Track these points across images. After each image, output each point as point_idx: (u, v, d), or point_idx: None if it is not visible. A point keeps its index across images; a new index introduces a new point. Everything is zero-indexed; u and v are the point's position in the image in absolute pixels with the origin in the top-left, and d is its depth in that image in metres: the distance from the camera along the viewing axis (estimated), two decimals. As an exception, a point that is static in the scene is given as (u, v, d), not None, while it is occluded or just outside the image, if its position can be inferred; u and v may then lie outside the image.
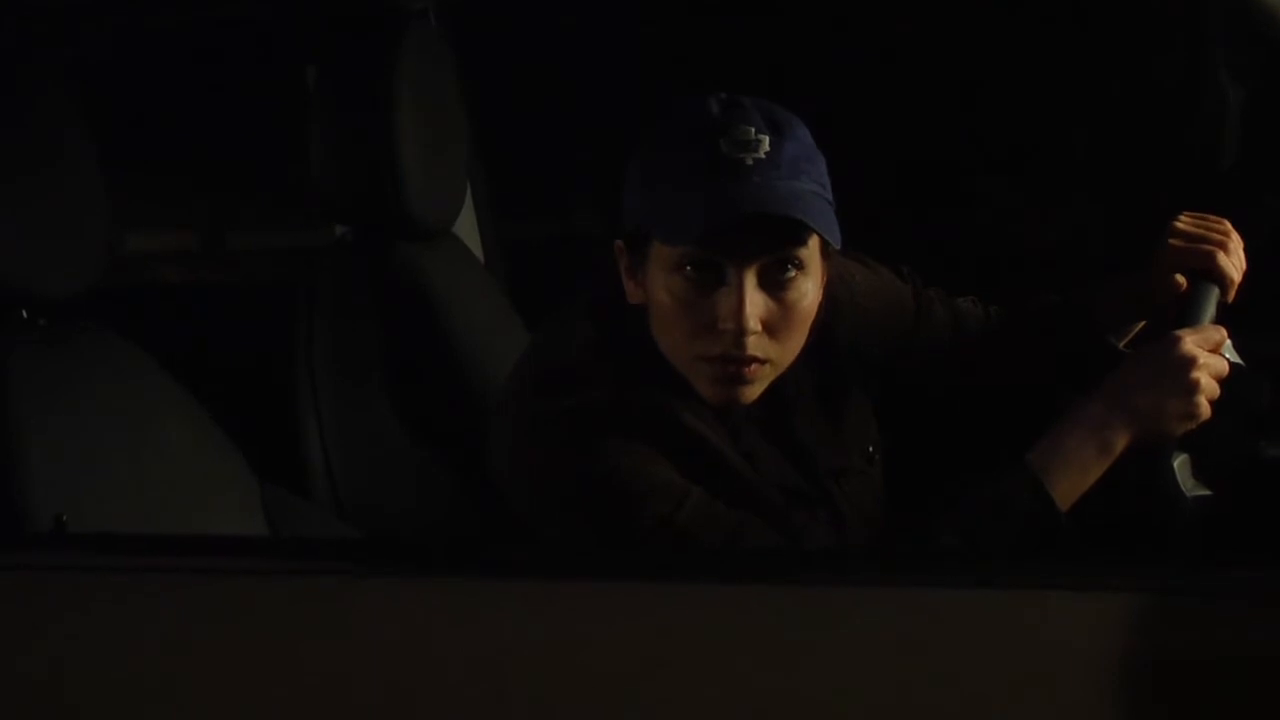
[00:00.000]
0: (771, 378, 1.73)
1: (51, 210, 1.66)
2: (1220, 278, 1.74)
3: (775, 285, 1.67)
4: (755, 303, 1.66)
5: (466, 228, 2.57)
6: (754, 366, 1.69)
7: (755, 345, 1.67)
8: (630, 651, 1.26)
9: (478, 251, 2.61)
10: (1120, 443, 1.64)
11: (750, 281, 1.65)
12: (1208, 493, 1.62)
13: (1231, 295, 1.73)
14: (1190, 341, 1.64)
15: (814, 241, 1.69)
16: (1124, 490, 1.62)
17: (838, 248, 1.67)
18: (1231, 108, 1.93)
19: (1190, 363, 1.63)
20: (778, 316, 1.68)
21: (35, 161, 1.66)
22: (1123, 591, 1.22)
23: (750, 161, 1.64)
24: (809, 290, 1.70)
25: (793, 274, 1.67)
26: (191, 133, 3.16)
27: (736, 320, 1.65)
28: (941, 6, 2.52)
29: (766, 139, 1.66)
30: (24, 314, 1.70)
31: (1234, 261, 1.75)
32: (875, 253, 1.98)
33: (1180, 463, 1.62)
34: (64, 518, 1.55)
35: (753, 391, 1.72)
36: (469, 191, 2.54)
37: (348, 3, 2.24)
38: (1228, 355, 1.66)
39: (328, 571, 1.37)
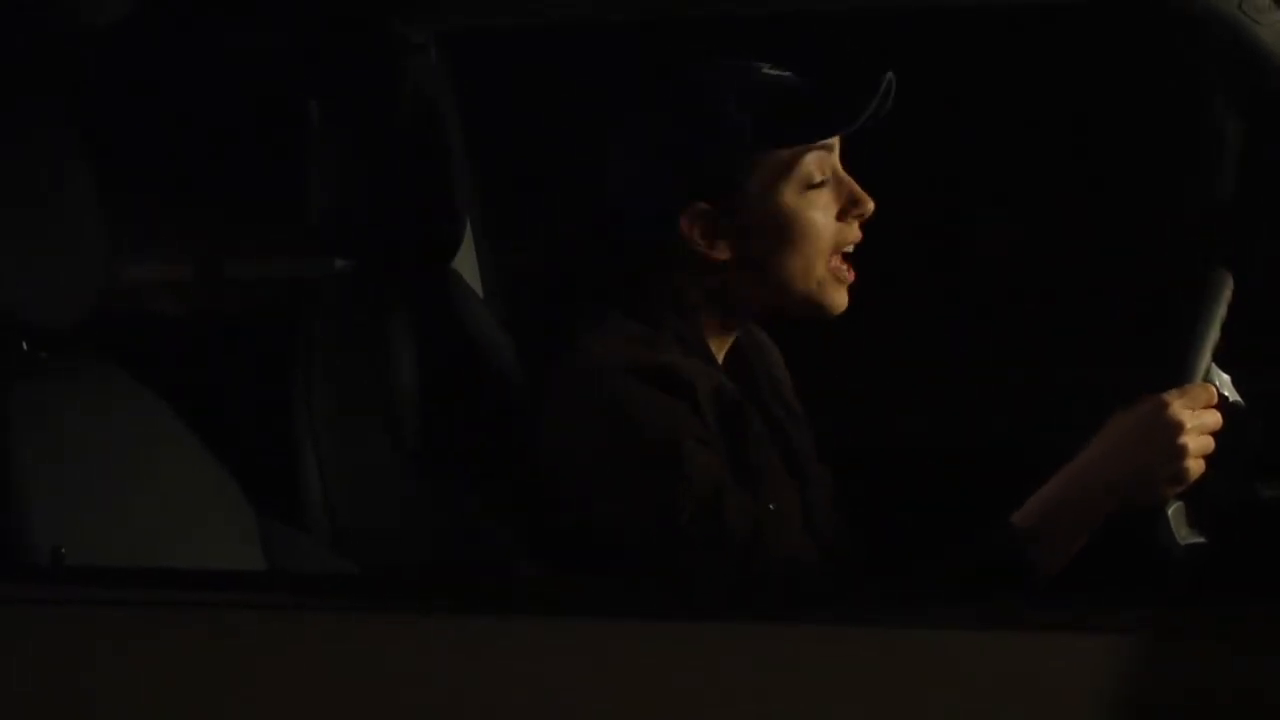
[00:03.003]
0: None
1: (50, 241, 1.66)
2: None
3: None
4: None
5: (466, 261, 2.57)
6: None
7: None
8: (631, 690, 1.26)
9: (477, 285, 2.61)
10: (1108, 507, 1.63)
11: (842, 168, 1.83)
12: (1202, 540, 1.61)
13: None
14: (1178, 404, 1.62)
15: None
16: (1117, 539, 1.62)
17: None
18: (1229, 143, 1.93)
19: (1177, 428, 1.60)
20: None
21: (34, 192, 1.66)
22: (1121, 632, 1.22)
23: (790, 75, 1.81)
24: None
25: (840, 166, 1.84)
26: (191, 163, 3.16)
27: (859, 199, 1.81)
28: (936, 37, 2.53)
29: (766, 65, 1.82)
30: (23, 345, 1.70)
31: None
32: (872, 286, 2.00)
33: (1174, 510, 1.61)
34: (62, 550, 1.55)
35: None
36: (469, 225, 2.54)
37: (349, 35, 2.25)
38: (1226, 394, 1.66)
39: (325, 606, 1.37)
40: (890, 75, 1.76)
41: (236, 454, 1.86)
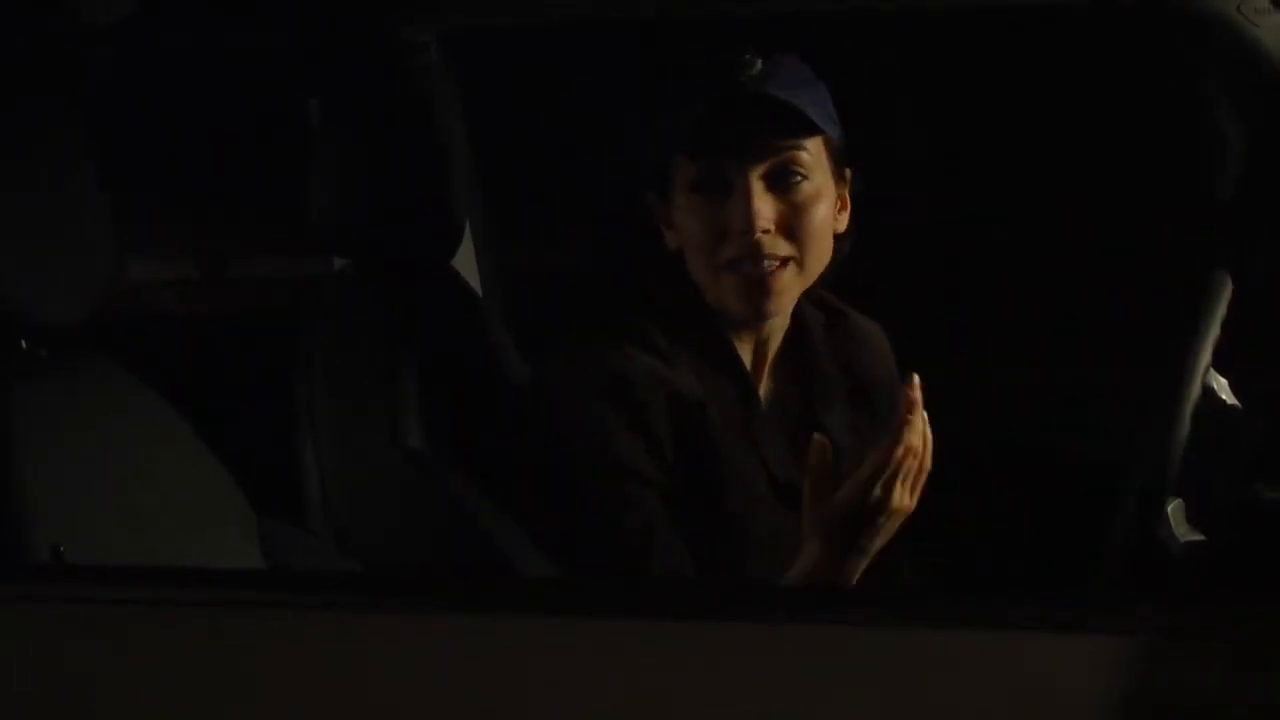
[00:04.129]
0: (799, 287, 1.85)
1: (54, 238, 1.66)
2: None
3: (783, 188, 1.80)
4: (762, 200, 1.78)
5: (464, 260, 2.57)
6: (775, 271, 1.80)
7: (770, 244, 1.79)
8: (631, 690, 1.26)
9: (475, 284, 2.61)
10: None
11: (756, 183, 1.78)
12: (1201, 538, 1.62)
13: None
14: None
15: (819, 153, 1.82)
16: (1118, 534, 1.63)
17: (837, 138, 1.81)
18: (1229, 145, 1.94)
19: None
20: (789, 217, 1.80)
21: (38, 189, 1.66)
22: (1119, 633, 1.22)
23: (741, 78, 1.78)
24: (819, 195, 1.82)
25: (799, 178, 1.80)
26: (195, 162, 3.16)
27: (745, 218, 1.77)
28: (935, 39, 2.53)
29: (759, 61, 1.79)
30: (24, 343, 1.70)
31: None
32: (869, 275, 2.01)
33: (1174, 507, 1.62)
34: (62, 549, 1.55)
35: (779, 302, 1.83)
36: (468, 224, 2.55)
37: (350, 34, 2.25)
38: (1224, 397, 1.66)
39: (325, 604, 1.37)
40: (781, 97, 1.77)
41: (236, 452, 1.86)
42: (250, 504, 1.87)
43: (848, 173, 1.87)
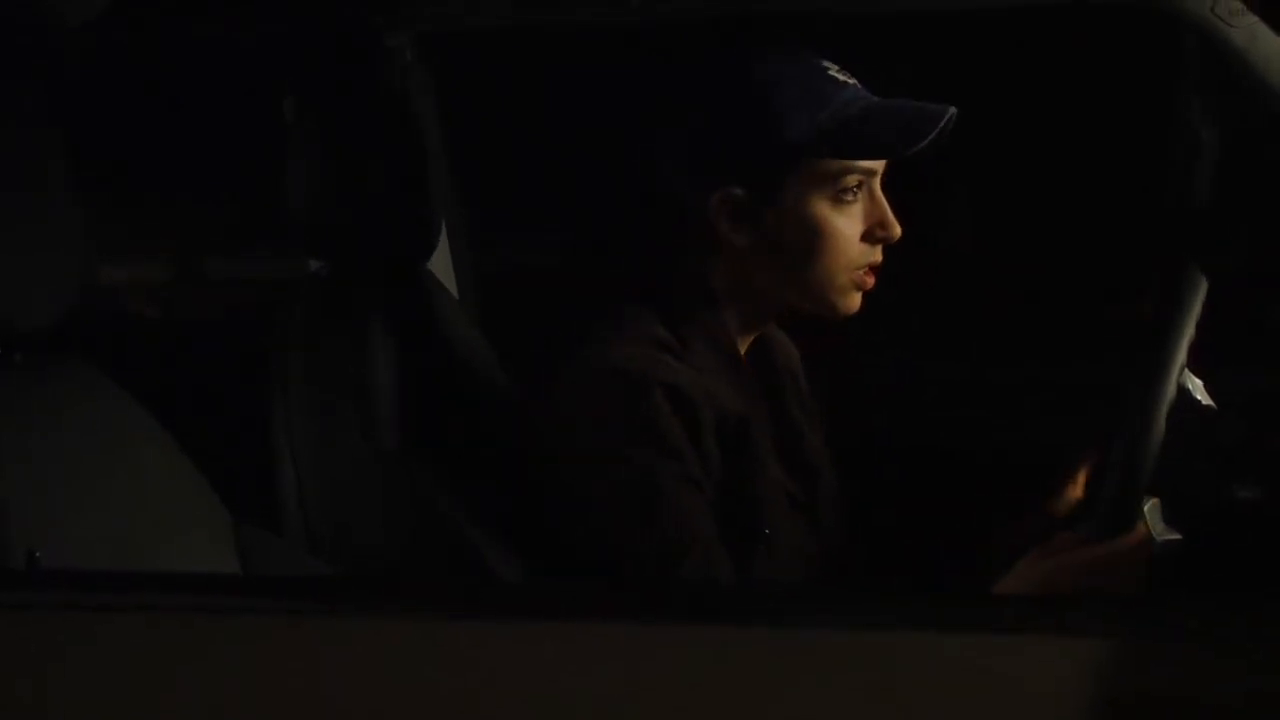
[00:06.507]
0: None
1: (27, 240, 1.66)
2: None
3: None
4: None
5: (440, 262, 2.57)
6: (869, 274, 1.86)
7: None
8: (609, 693, 1.26)
9: (451, 286, 2.61)
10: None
11: (880, 189, 1.84)
12: (1178, 537, 1.63)
13: None
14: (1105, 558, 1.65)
15: None
16: (1094, 535, 1.63)
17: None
18: (1203, 146, 1.94)
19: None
20: None
21: (10, 190, 1.65)
22: (1093, 635, 1.22)
23: (857, 83, 1.84)
24: None
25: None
26: (169, 162, 3.15)
27: (890, 223, 1.83)
28: (909, 41, 2.54)
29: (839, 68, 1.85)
30: (-3, 346, 1.70)
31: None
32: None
33: (1150, 507, 1.62)
34: (37, 554, 1.55)
35: None
36: (444, 226, 2.55)
37: (326, 35, 2.24)
38: (1199, 398, 1.67)
39: (302, 609, 1.37)
40: (953, 111, 1.79)
41: (212, 456, 1.86)
42: (227, 508, 1.86)
43: None
